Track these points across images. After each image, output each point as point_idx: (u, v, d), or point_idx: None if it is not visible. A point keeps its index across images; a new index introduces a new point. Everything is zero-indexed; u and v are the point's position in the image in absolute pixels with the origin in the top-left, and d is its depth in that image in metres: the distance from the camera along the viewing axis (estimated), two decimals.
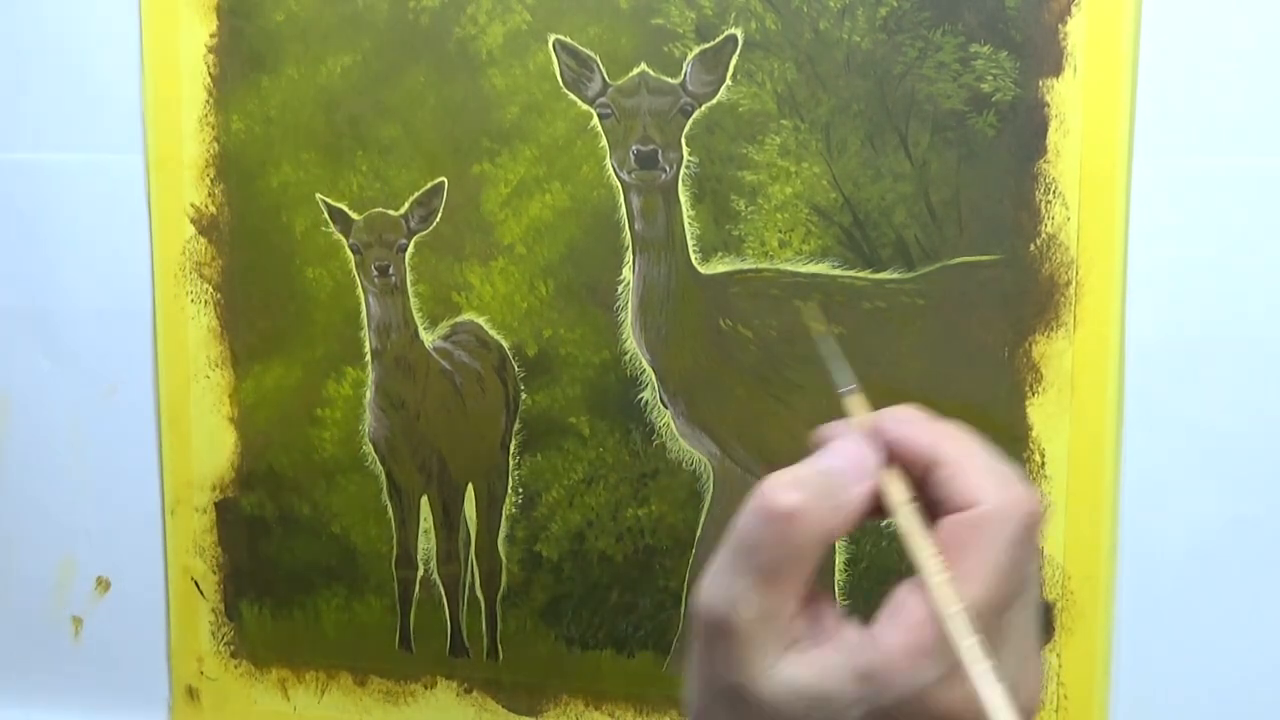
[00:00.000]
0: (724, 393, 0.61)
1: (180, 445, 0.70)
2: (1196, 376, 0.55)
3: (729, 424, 0.61)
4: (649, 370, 0.62)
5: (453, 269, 0.64)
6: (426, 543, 0.67)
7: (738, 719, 0.38)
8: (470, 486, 0.66)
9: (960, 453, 0.37)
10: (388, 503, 0.67)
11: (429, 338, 0.65)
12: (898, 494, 0.37)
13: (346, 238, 0.65)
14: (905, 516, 0.37)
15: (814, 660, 0.37)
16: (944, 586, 0.35)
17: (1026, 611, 0.37)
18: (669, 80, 0.60)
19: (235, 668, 0.71)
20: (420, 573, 0.67)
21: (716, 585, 0.38)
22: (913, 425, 0.38)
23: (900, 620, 0.36)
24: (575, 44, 0.61)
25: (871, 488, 0.38)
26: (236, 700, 0.71)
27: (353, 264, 0.65)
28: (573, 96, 0.61)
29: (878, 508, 0.38)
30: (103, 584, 0.72)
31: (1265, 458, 0.55)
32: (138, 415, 0.70)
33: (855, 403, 0.40)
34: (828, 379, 0.41)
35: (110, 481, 0.71)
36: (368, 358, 0.66)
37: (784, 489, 0.37)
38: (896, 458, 0.38)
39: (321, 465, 0.68)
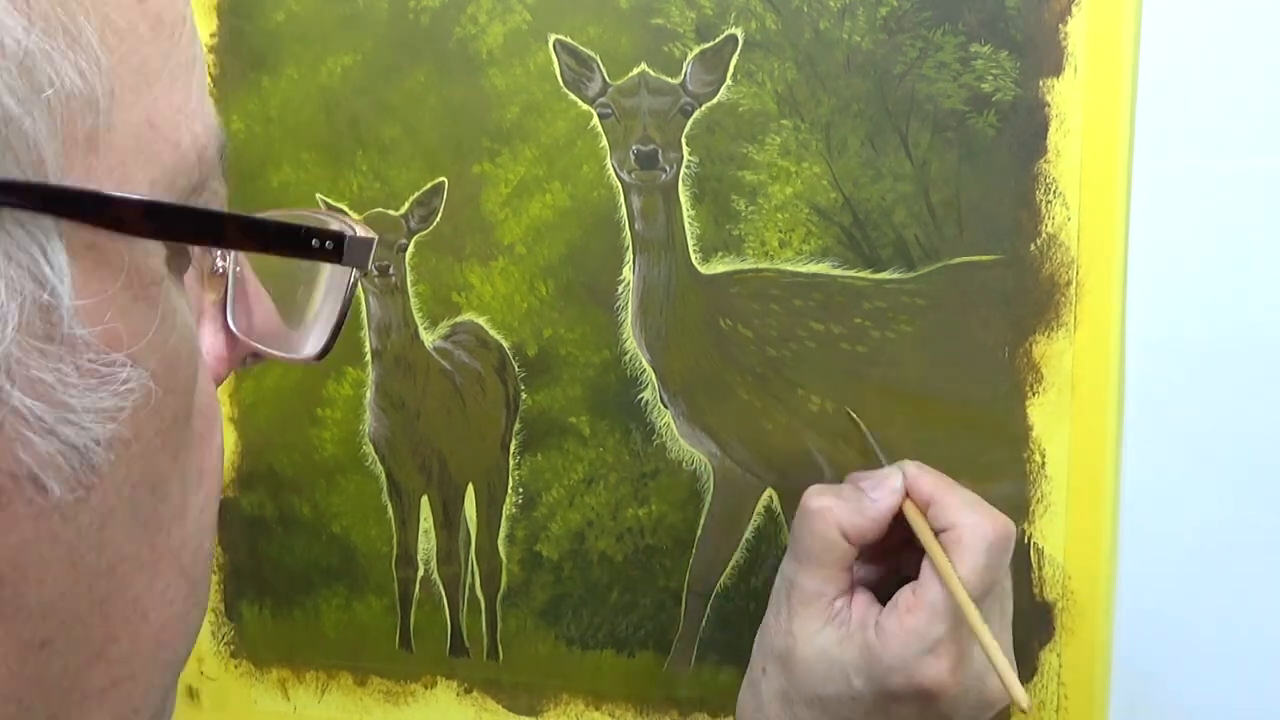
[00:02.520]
0: (724, 393, 0.61)
1: None
2: (1196, 376, 0.55)
3: (729, 424, 0.61)
4: (649, 370, 0.62)
5: (453, 269, 0.64)
6: (426, 543, 0.67)
7: (784, 676, 0.52)
8: (470, 486, 0.66)
9: (947, 493, 0.52)
10: (388, 503, 0.67)
11: (429, 338, 0.65)
12: (912, 510, 0.52)
13: None
14: (918, 520, 0.52)
15: (838, 634, 0.51)
16: (948, 567, 0.49)
17: (993, 616, 0.50)
18: (669, 80, 0.60)
19: (235, 668, 0.71)
20: (420, 573, 0.67)
21: (781, 570, 0.54)
22: (922, 470, 0.53)
23: (894, 610, 0.50)
24: (575, 44, 0.61)
25: (893, 504, 0.52)
26: (236, 700, 0.71)
27: None
28: (573, 96, 0.61)
29: (903, 543, 0.52)
30: None
31: (1266, 458, 0.55)
32: None
33: (884, 462, 0.56)
34: (870, 453, 0.59)
35: None
36: (368, 358, 0.66)
37: (817, 493, 0.53)
38: (909, 491, 0.52)
39: (321, 465, 0.68)
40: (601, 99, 0.61)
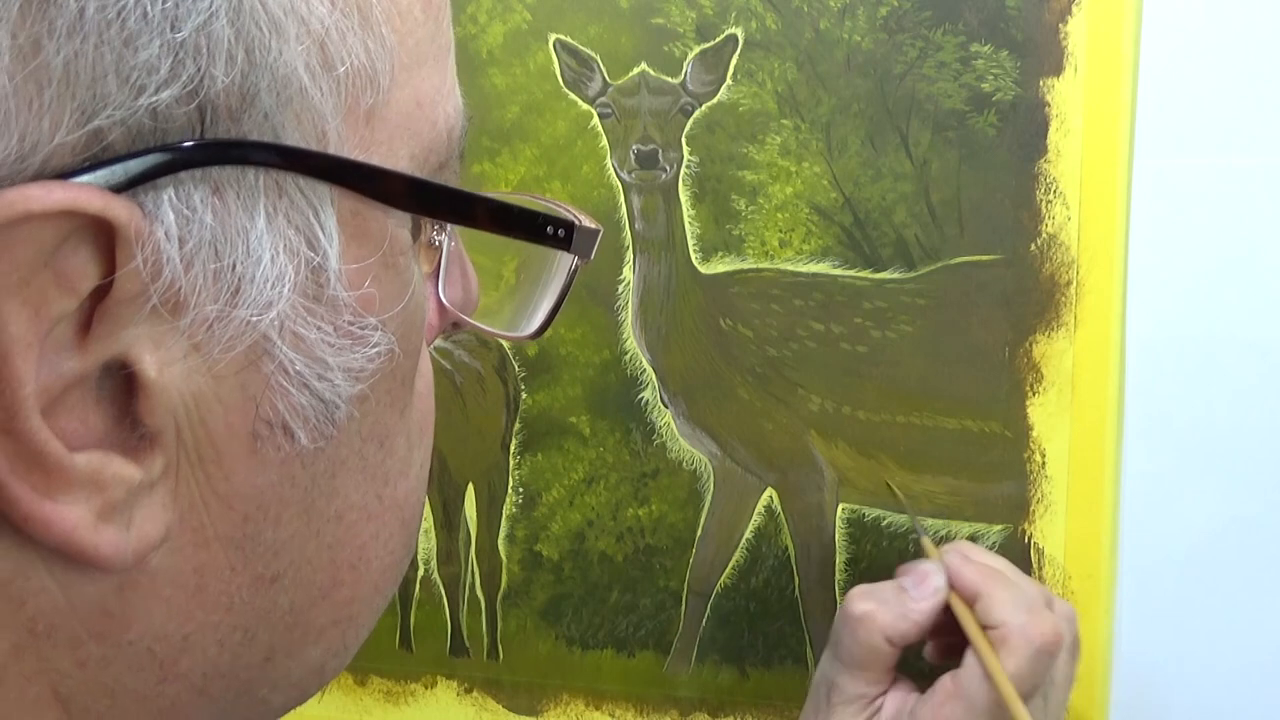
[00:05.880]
0: (724, 393, 0.61)
1: None
2: (1196, 376, 0.55)
3: (729, 424, 0.61)
4: (649, 370, 0.62)
5: None
6: (426, 543, 0.67)
7: None
8: (470, 486, 0.66)
9: (995, 587, 0.50)
10: None
11: None
12: (959, 604, 0.50)
13: None
14: (966, 617, 0.50)
15: None
16: (995, 661, 0.47)
17: (1039, 716, 0.49)
18: (669, 80, 0.60)
19: None
20: (420, 573, 0.67)
21: (822, 667, 0.53)
22: (965, 562, 0.51)
23: (931, 699, 0.49)
24: (576, 43, 0.61)
25: (935, 603, 0.51)
26: None
27: None
28: (573, 96, 0.61)
29: (951, 632, 0.51)
30: None
31: (1265, 458, 0.55)
32: None
33: (927, 543, 0.55)
34: (914, 530, 0.58)
35: None
36: None
37: (859, 598, 0.52)
38: (954, 585, 0.51)
39: None
40: (602, 99, 0.61)
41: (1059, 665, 0.50)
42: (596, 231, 0.32)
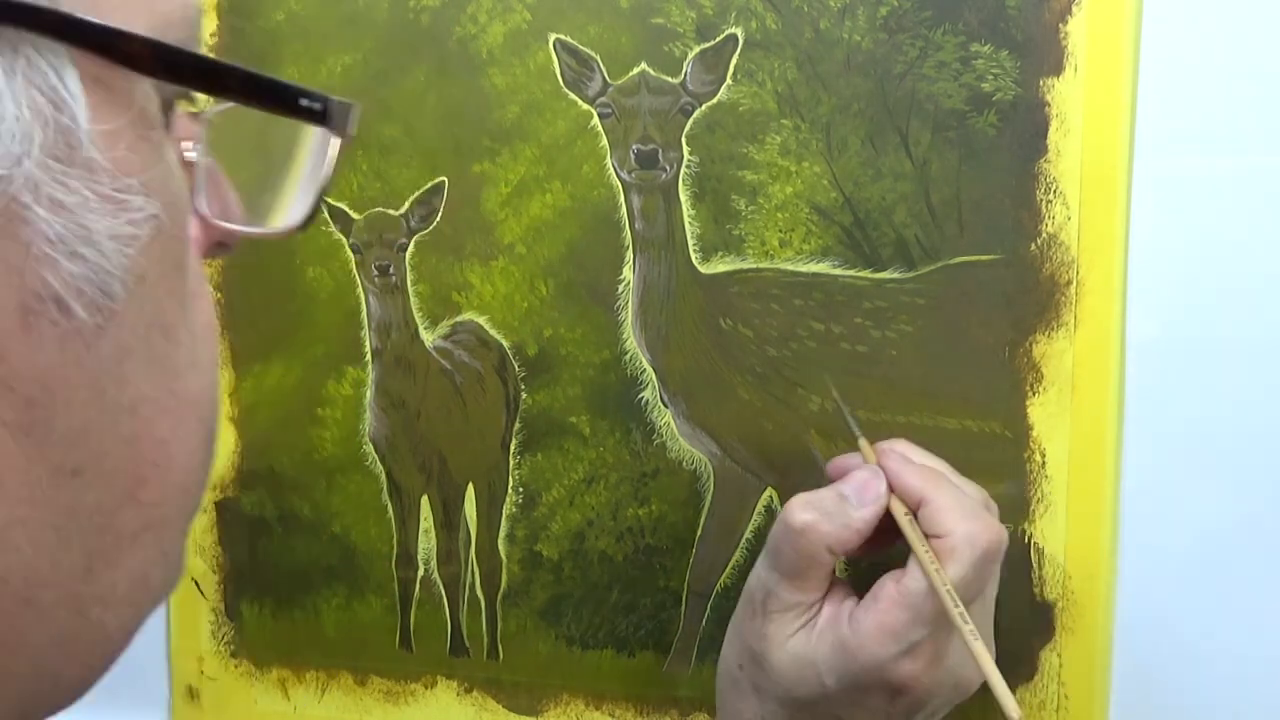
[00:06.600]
0: (725, 392, 0.61)
1: None
2: (1197, 376, 0.55)
3: (730, 424, 0.61)
4: (649, 370, 0.62)
5: (453, 268, 0.64)
6: (426, 543, 0.67)
7: (758, 674, 0.52)
8: (470, 486, 0.66)
9: (937, 493, 0.50)
10: (388, 502, 0.67)
11: (429, 337, 0.65)
12: (900, 512, 0.50)
13: (347, 237, 0.65)
14: (908, 526, 0.50)
15: (810, 634, 0.50)
16: (937, 569, 0.48)
17: (974, 620, 0.48)
18: (669, 80, 0.60)
19: (235, 668, 0.71)
20: (420, 572, 0.67)
21: (758, 573, 0.53)
22: (906, 466, 0.51)
23: (874, 605, 0.49)
24: (576, 43, 0.61)
25: (877, 511, 0.50)
26: (236, 700, 0.71)
27: (353, 263, 0.65)
28: (573, 96, 0.61)
29: (882, 530, 0.51)
30: None
31: (1266, 458, 0.55)
32: None
33: (864, 445, 0.54)
34: (846, 429, 0.55)
35: None
36: (368, 357, 0.66)
37: (800, 508, 0.51)
38: (895, 489, 0.51)
39: (321, 465, 0.68)
40: (602, 98, 0.61)
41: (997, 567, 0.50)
42: (350, 106, 0.31)
